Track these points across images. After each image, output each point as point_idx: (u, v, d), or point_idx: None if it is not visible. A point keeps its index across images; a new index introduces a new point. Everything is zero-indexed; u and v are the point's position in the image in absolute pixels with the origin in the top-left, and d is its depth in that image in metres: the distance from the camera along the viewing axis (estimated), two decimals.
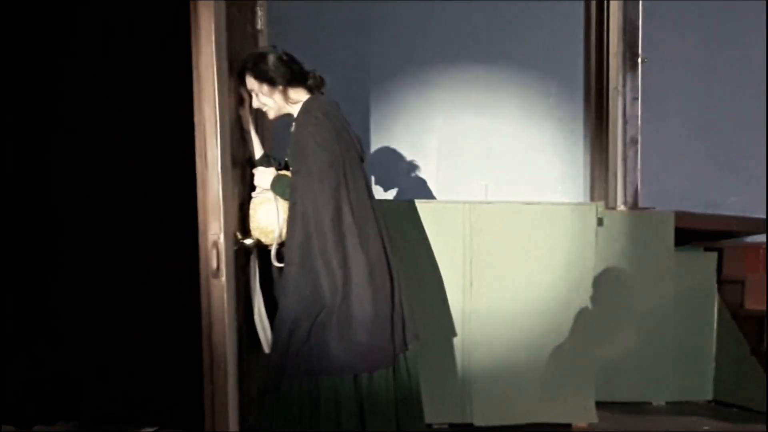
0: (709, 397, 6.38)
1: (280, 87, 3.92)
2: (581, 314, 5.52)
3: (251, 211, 3.95)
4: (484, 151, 6.61)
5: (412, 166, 6.42)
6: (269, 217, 3.88)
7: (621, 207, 6.68)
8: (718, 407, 6.22)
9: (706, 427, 5.63)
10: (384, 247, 3.91)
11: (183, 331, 4.61)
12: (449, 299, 5.41)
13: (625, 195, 6.73)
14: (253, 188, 4.02)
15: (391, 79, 6.48)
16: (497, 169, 6.63)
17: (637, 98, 6.78)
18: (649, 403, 6.25)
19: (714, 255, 6.48)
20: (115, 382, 5.26)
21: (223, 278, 3.55)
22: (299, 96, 3.97)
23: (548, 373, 5.49)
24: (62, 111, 5.31)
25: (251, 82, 3.92)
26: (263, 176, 3.97)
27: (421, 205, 5.51)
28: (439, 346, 5.34)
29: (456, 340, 5.44)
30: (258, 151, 4.11)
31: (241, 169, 3.94)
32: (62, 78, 5.29)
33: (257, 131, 4.14)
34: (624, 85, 6.75)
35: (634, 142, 6.74)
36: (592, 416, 5.49)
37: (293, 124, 3.95)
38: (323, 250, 3.71)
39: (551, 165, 6.78)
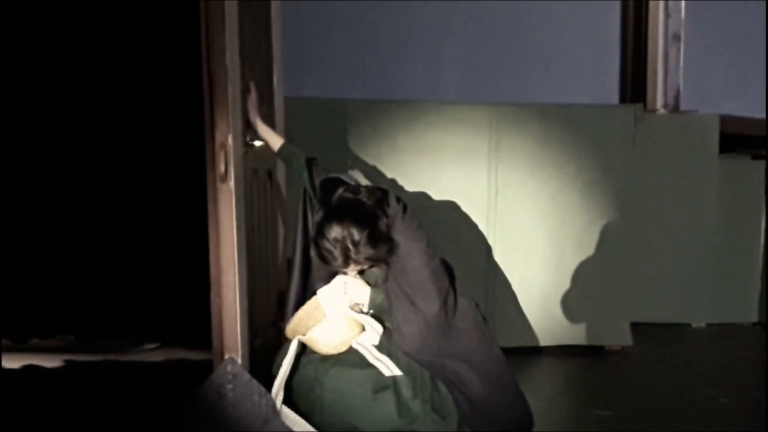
0: (755, 319, 6.47)
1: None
2: (616, 228, 5.55)
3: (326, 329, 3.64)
4: (509, 50, 6.58)
5: (431, 68, 6.41)
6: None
7: (661, 110, 6.67)
8: (764, 330, 6.31)
9: (750, 352, 5.71)
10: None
11: (188, 242, 4.68)
12: (473, 211, 5.45)
13: (665, 97, 6.72)
14: None
15: None
16: (523, 70, 6.61)
17: None
18: (689, 325, 6.36)
19: (762, 164, 6.50)
20: (114, 297, 5.37)
21: (232, 182, 3.54)
22: None
23: (579, 292, 5.54)
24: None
25: (351, 266, 3.55)
26: (363, 292, 3.68)
27: (443, 107, 5.52)
28: (461, 262, 5.30)
29: (480, 256, 5.50)
30: (277, 141, 3.99)
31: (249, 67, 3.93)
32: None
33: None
34: None
35: (677, 38, 6.70)
36: (626, 338, 5.57)
37: None
38: None
39: (583, 64, 6.77)
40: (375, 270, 3.63)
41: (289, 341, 3.66)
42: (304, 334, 3.61)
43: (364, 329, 3.62)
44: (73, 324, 5.48)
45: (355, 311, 3.62)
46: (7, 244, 5.41)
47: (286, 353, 3.63)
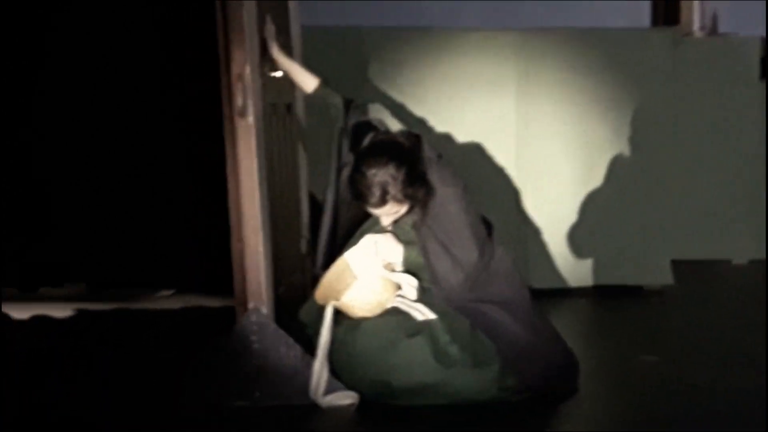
0: None
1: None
2: (652, 160, 5.40)
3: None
4: None
5: None
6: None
7: (698, 33, 6.53)
8: None
9: None
10: None
11: (205, 183, 4.59)
12: (502, 145, 5.31)
13: (702, 18, 6.58)
14: None
15: None
16: None
17: None
18: (729, 262, 6.23)
19: None
20: (128, 244, 5.29)
21: (251, 117, 3.40)
22: None
23: (615, 229, 5.39)
24: None
25: (387, 206, 3.41)
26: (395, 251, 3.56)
27: (467, 34, 5.35)
28: (490, 199, 5.09)
29: (508, 192, 5.36)
30: (312, 82, 3.83)
31: None
32: None
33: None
34: None
35: None
36: (667, 277, 5.42)
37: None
38: None
39: None
40: (408, 221, 3.50)
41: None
42: (336, 299, 3.45)
43: (399, 288, 3.49)
44: (83, 271, 5.41)
45: (388, 271, 3.48)
46: (13, 189, 5.33)
47: (310, 311, 3.58)
